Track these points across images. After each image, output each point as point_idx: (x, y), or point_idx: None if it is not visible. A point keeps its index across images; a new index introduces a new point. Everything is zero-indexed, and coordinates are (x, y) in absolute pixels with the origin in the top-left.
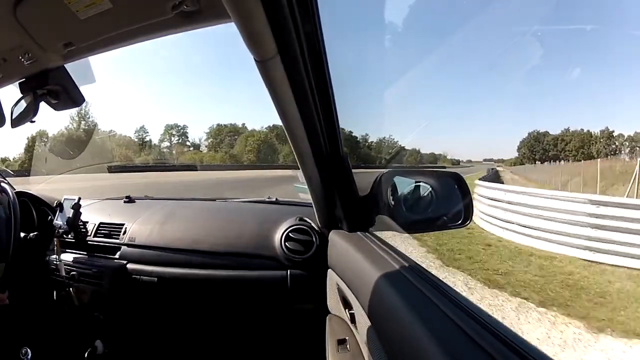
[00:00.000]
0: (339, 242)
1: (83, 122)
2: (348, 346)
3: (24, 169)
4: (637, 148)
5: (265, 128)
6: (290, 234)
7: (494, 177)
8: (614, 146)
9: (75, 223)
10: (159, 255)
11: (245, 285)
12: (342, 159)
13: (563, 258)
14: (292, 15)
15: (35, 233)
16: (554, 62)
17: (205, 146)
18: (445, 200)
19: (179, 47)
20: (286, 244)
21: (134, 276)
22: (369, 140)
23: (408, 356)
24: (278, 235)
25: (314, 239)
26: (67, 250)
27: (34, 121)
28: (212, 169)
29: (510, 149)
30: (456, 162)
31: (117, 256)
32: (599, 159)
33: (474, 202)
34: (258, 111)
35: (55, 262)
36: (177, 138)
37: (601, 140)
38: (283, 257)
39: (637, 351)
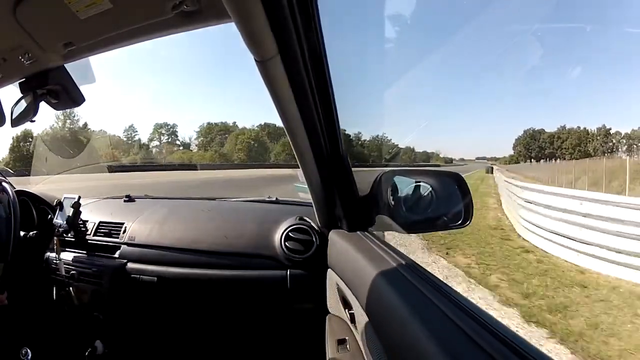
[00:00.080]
0: (338, 242)
1: (69, 121)
2: (348, 346)
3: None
4: (635, 146)
5: (257, 126)
6: (290, 233)
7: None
8: (610, 144)
9: (75, 222)
10: (158, 255)
11: (245, 285)
12: (342, 158)
13: None
14: (292, 15)
15: (35, 232)
16: (550, 61)
17: (196, 145)
18: (445, 201)
19: (172, 46)
20: (286, 243)
21: (133, 275)
22: (362, 139)
23: (407, 356)
24: (278, 235)
25: (313, 238)
26: (67, 249)
27: (34, 121)
28: (211, 168)
29: (503, 148)
30: (449, 161)
31: (116, 255)
32: (604, 157)
33: (522, 211)
34: (250, 110)
35: (55, 261)
36: (166, 137)
37: (598, 137)
38: (283, 256)
39: None
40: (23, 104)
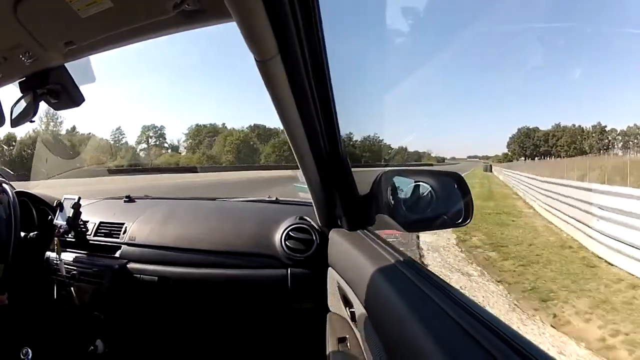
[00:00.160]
0: (339, 241)
1: (52, 124)
2: (348, 344)
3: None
4: (631, 142)
5: (247, 128)
6: (290, 232)
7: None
8: (606, 141)
9: (76, 222)
10: (159, 255)
11: (246, 284)
12: (342, 158)
13: None
14: (293, 15)
15: (36, 232)
16: (543, 60)
17: (184, 147)
18: (445, 200)
19: (160, 47)
20: (286, 242)
21: (134, 275)
22: (353, 139)
23: (406, 353)
24: (278, 234)
25: (314, 237)
26: (67, 249)
27: (34, 121)
28: (212, 170)
29: (494, 146)
30: (441, 160)
31: (117, 255)
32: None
33: (597, 222)
34: (239, 111)
35: (55, 262)
36: (154, 139)
37: (593, 135)
38: (283, 255)
39: None
40: (23, 104)
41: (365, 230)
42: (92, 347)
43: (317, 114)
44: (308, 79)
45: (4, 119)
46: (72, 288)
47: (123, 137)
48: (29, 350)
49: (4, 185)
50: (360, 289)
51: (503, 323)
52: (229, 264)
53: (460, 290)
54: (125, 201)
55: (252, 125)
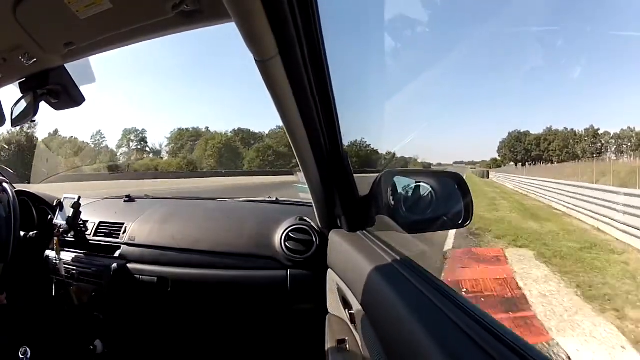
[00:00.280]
0: (339, 242)
1: (26, 125)
2: (347, 346)
3: None
4: (624, 146)
5: (230, 132)
6: (290, 233)
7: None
8: (599, 145)
9: (75, 222)
10: (158, 255)
11: (245, 285)
12: (342, 158)
13: None
14: (293, 15)
15: (35, 232)
16: (528, 63)
17: (167, 152)
18: (445, 201)
19: (148, 48)
20: (286, 243)
21: (133, 276)
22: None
23: (406, 354)
24: (278, 235)
25: (314, 238)
26: (67, 249)
27: (34, 121)
28: (190, 176)
29: (482, 151)
30: (427, 166)
31: (116, 255)
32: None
33: None
34: (225, 115)
35: (55, 261)
36: (135, 143)
37: (586, 139)
38: (283, 257)
39: None
40: (23, 104)
41: (365, 232)
42: (91, 347)
43: (317, 113)
44: (308, 78)
45: (4, 119)
46: (71, 288)
47: (104, 141)
48: (28, 349)
49: (4, 184)
50: (360, 290)
51: (500, 324)
52: (228, 265)
53: (460, 293)
54: (125, 201)
55: (237, 129)
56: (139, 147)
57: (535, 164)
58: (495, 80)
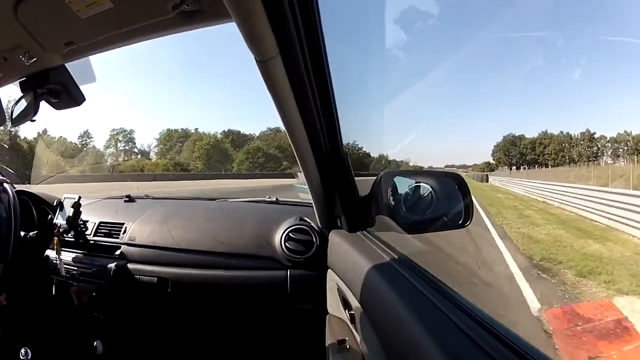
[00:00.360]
0: (339, 242)
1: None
2: (348, 346)
3: None
4: (621, 150)
5: (220, 133)
6: (290, 233)
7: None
8: (595, 148)
9: (76, 222)
10: (158, 255)
11: (245, 286)
12: (342, 158)
13: None
14: (293, 15)
15: (35, 232)
16: (520, 65)
17: (155, 153)
18: (445, 201)
19: (140, 49)
20: (286, 244)
21: (133, 276)
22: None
23: (405, 354)
24: (278, 235)
25: (314, 239)
26: (67, 249)
27: (34, 120)
28: (175, 179)
29: (474, 155)
30: (419, 169)
31: (117, 255)
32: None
33: None
34: (214, 116)
35: (55, 261)
36: (123, 144)
37: (582, 142)
38: (283, 257)
39: None
40: (23, 103)
41: (365, 232)
42: (91, 348)
43: (317, 113)
44: (309, 78)
45: (5, 119)
46: (71, 288)
47: (91, 141)
48: (28, 350)
49: (4, 184)
50: (360, 291)
51: (500, 324)
52: (228, 265)
53: (459, 293)
54: (125, 201)
55: (226, 130)
56: (126, 147)
57: (529, 168)
58: (495, 81)
